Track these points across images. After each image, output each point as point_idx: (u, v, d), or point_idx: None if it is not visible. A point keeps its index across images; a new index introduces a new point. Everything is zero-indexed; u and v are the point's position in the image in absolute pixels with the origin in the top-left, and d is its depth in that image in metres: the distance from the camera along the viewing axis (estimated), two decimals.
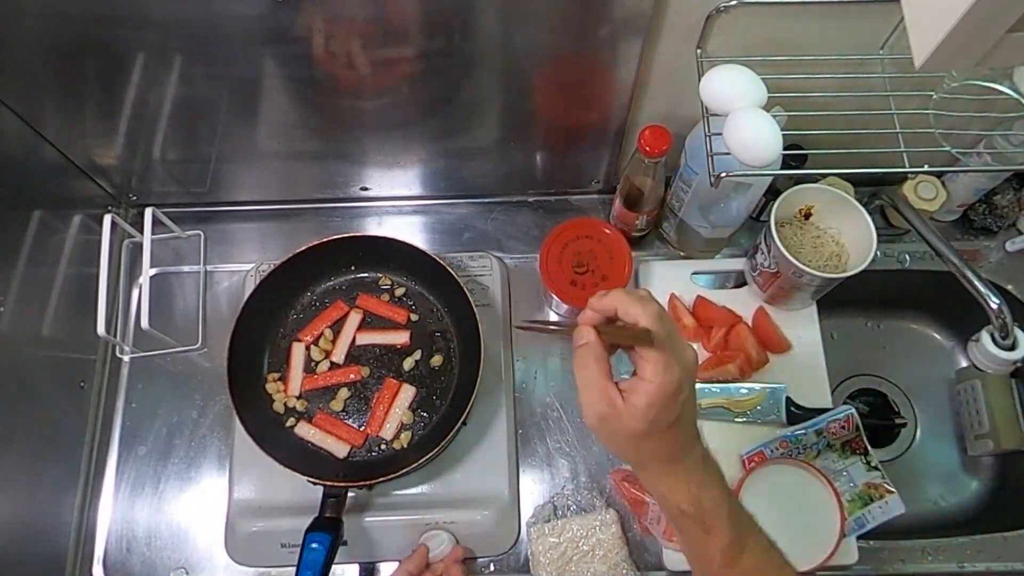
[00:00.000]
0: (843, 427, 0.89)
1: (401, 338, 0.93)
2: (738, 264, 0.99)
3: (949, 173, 0.98)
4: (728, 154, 0.71)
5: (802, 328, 0.96)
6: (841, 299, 0.96)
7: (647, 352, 0.52)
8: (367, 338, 0.93)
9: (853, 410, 0.89)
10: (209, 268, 1.03)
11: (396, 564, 0.88)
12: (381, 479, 0.82)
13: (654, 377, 0.51)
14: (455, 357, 0.93)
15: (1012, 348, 0.81)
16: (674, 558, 0.87)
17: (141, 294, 0.92)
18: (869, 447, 0.89)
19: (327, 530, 0.79)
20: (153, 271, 0.96)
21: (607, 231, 0.90)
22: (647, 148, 0.80)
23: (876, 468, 0.89)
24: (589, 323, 0.54)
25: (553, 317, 1.00)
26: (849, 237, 0.88)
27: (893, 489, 0.87)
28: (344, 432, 0.89)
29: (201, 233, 1.04)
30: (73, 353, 0.95)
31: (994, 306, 0.78)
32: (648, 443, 0.53)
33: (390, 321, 0.94)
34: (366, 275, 0.96)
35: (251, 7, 0.69)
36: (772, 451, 0.89)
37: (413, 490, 0.89)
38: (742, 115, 0.69)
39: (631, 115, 0.89)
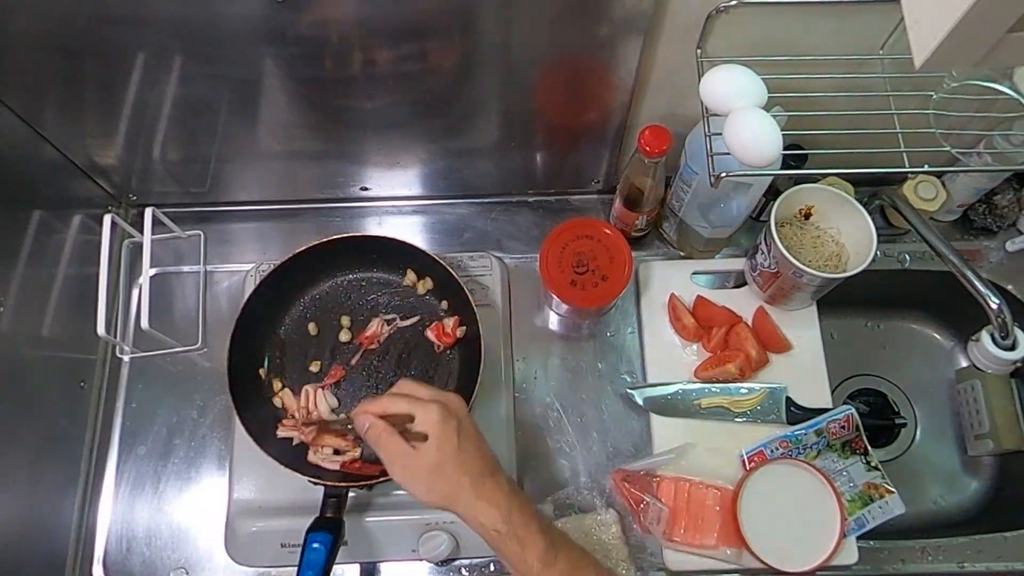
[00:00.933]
0: (843, 427, 0.89)
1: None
2: (738, 264, 0.99)
3: (949, 173, 0.98)
4: (728, 154, 0.71)
5: (802, 328, 0.96)
6: (841, 299, 0.96)
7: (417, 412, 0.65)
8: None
9: (853, 410, 0.89)
10: (209, 268, 1.03)
11: (397, 565, 0.89)
12: (382, 479, 0.82)
13: (424, 416, 0.65)
14: (455, 357, 0.92)
15: (1012, 348, 0.81)
16: (674, 558, 0.87)
17: (141, 294, 0.92)
18: (869, 447, 0.90)
19: (328, 530, 0.79)
20: (153, 271, 0.96)
21: (607, 231, 0.90)
22: (647, 148, 0.81)
23: (876, 468, 0.89)
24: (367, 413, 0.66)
25: (553, 317, 1.00)
26: (849, 237, 0.88)
27: (893, 489, 0.88)
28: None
29: (201, 233, 1.04)
30: (73, 353, 0.95)
31: (994, 306, 0.78)
32: (449, 470, 0.63)
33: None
34: (366, 275, 0.96)
35: (251, 7, 0.69)
36: (772, 451, 0.89)
37: None
38: (742, 115, 0.69)
39: (631, 115, 0.89)
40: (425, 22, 0.73)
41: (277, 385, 0.91)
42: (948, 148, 0.74)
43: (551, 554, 0.62)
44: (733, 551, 0.86)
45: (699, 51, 0.77)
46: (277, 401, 0.91)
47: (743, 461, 0.89)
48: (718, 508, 0.87)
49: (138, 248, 0.98)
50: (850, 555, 0.86)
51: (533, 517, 0.64)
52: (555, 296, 0.90)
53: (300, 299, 0.95)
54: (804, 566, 0.84)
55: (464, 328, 0.91)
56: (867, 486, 0.88)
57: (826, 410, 0.91)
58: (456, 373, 0.92)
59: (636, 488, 0.88)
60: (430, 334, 0.93)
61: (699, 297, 0.97)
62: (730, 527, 0.86)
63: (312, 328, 0.94)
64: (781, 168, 0.84)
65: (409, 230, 1.06)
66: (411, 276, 0.95)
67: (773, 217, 0.84)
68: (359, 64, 0.78)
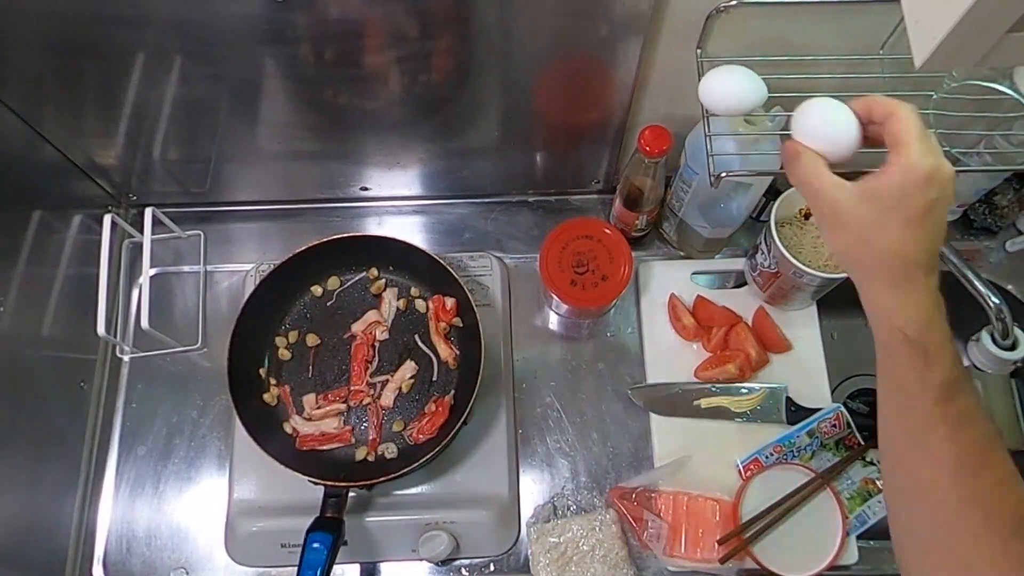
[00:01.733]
0: (834, 425, 0.90)
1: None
2: (738, 264, 0.99)
3: None
4: (729, 155, 0.71)
5: (802, 328, 0.96)
6: (841, 299, 0.96)
7: (902, 133, 0.49)
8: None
9: (842, 407, 0.90)
10: (209, 268, 1.03)
11: (397, 565, 0.89)
12: (382, 479, 0.82)
13: (903, 155, 0.49)
14: (456, 357, 0.92)
15: (1012, 348, 0.81)
16: (675, 562, 0.87)
17: (141, 294, 0.92)
18: (863, 443, 0.89)
19: (328, 530, 0.79)
20: (153, 271, 0.96)
21: (607, 231, 0.90)
22: (647, 148, 0.81)
23: (872, 463, 0.89)
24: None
25: (553, 317, 1.00)
26: None
27: None
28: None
29: (201, 233, 1.04)
30: (73, 353, 0.95)
31: (994, 306, 0.78)
32: (880, 237, 0.50)
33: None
34: (365, 275, 0.96)
35: (251, 7, 0.69)
36: (767, 457, 0.89)
37: (413, 490, 0.90)
38: (814, 107, 0.59)
39: (631, 115, 0.89)
40: (425, 22, 0.73)
41: (277, 385, 0.91)
42: (948, 148, 0.74)
43: (955, 387, 0.50)
44: (735, 562, 0.85)
45: (699, 51, 0.77)
46: (276, 401, 0.91)
47: (739, 471, 0.89)
48: (718, 519, 0.87)
49: (138, 248, 0.98)
50: (850, 555, 0.86)
51: (950, 339, 0.51)
52: (555, 296, 0.90)
53: (300, 299, 0.95)
54: (811, 570, 0.83)
55: (460, 318, 0.92)
56: (865, 482, 0.88)
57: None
58: (456, 373, 0.92)
59: (634, 505, 0.88)
60: (429, 305, 0.94)
61: (699, 297, 0.97)
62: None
63: (312, 328, 0.94)
64: (781, 168, 0.84)
65: (409, 230, 1.06)
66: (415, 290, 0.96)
67: (773, 217, 0.84)
68: (359, 64, 0.78)
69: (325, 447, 0.89)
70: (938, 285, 0.51)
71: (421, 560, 0.87)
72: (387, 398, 0.90)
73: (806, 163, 0.53)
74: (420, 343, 0.93)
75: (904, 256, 0.50)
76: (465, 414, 0.84)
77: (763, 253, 0.88)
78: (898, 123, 0.50)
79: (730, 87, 0.71)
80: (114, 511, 0.92)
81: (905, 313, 0.50)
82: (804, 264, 0.82)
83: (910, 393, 0.51)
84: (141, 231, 0.91)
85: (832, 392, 0.94)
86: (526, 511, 0.91)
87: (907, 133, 0.49)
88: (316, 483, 0.83)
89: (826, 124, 0.54)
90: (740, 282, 0.99)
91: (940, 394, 0.49)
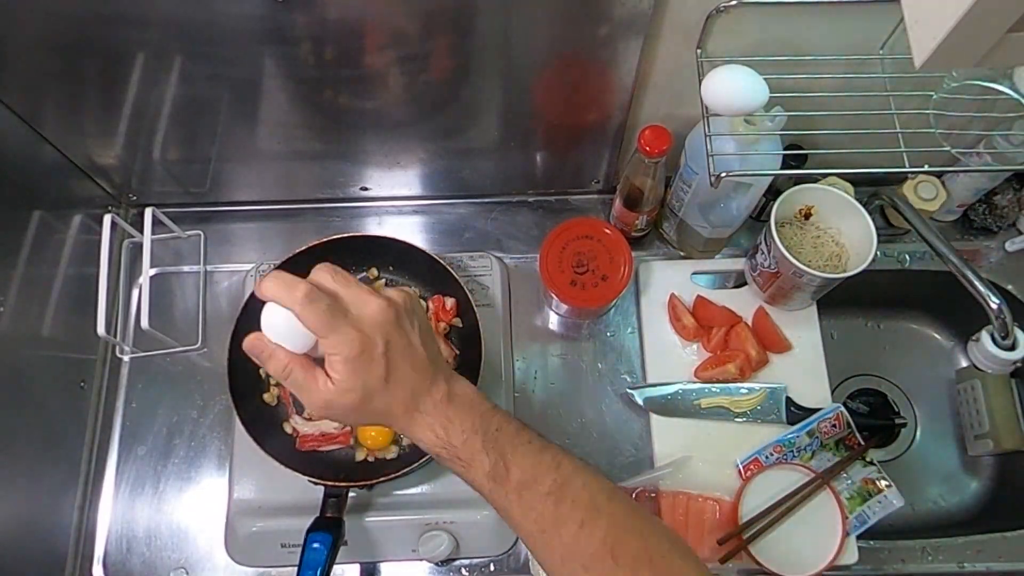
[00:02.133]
0: (834, 425, 0.90)
1: None
2: (738, 264, 0.99)
3: (949, 173, 0.98)
4: (728, 155, 0.71)
5: (802, 328, 0.96)
6: (841, 299, 0.96)
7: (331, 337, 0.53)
8: None
9: (842, 407, 0.90)
10: (209, 268, 1.03)
11: (397, 565, 0.89)
12: (382, 479, 0.82)
13: (334, 349, 0.53)
14: (455, 357, 0.92)
15: (1012, 348, 0.81)
16: None
17: (141, 294, 0.92)
18: (863, 443, 0.89)
19: (328, 530, 0.79)
20: (153, 271, 0.96)
21: (607, 231, 0.90)
22: (647, 148, 0.81)
23: (872, 463, 0.89)
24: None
25: (553, 317, 1.00)
26: (849, 237, 0.88)
27: (891, 482, 0.87)
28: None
29: (201, 233, 1.04)
30: (73, 353, 0.95)
31: (994, 306, 0.78)
32: (377, 403, 0.55)
33: None
34: (366, 275, 0.96)
35: (251, 7, 0.69)
36: (767, 457, 0.89)
37: (413, 490, 0.89)
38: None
39: (631, 115, 0.89)
40: (425, 22, 0.73)
41: (277, 385, 0.91)
42: (948, 148, 0.75)
43: (499, 468, 0.56)
44: (735, 562, 0.85)
45: (699, 51, 0.77)
46: (276, 401, 0.91)
47: (739, 471, 0.89)
48: (718, 519, 0.87)
49: (138, 248, 0.98)
50: (850, 555, 0.86)
51: (475, 433, 0.57)
52: (555, 296, 0.90)
53: None
54: (811, 570, 0.83)
55: (460, 318, 0.92)
56: (864, 482, 0.88)
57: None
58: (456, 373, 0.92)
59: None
60: (429, 305, 0.94)
61: (699, 297, 0.97)
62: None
63: None
64: (781, 168, 0.84)
65: (409, 230, 1.06)
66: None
67: (773, 217, 0.84)
68: (359, 64, 0.78)
69: (325, 447, 0.89)
70: (444, 392, 0.57)
71: (421, 560, 0.87)
72: None
73: (288, 368, 0.55)
74: None
75: (403, 401, 0.56)
76: None
77: (763, 253, 0.88)
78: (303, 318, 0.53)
79: (733, 87, 0.71)
80: (114, 511, 0.92)
81: (426, 438, 0.57)
82: (804, 264, 0.82)
83: (478, 488, 0.58)
84: (141, 231, 0.91)
85: (832, 392, 0.95)
86: None
87: (312, 324, 0.52)
88: (316, 483, 0.83)
89: (289, 328, 0.54)
90: (740, 282, 0.99)
91: (491, 482, 0.57)
